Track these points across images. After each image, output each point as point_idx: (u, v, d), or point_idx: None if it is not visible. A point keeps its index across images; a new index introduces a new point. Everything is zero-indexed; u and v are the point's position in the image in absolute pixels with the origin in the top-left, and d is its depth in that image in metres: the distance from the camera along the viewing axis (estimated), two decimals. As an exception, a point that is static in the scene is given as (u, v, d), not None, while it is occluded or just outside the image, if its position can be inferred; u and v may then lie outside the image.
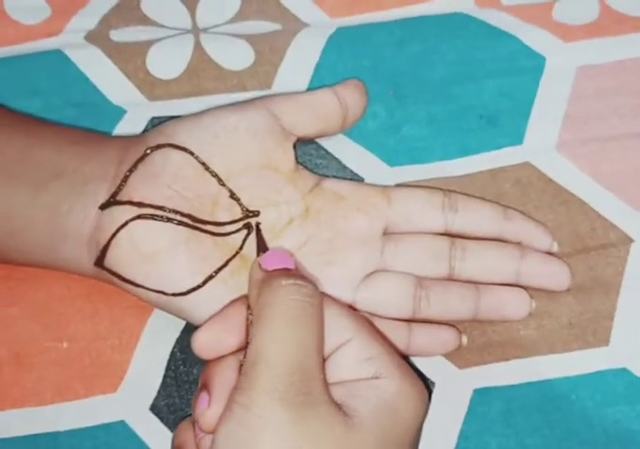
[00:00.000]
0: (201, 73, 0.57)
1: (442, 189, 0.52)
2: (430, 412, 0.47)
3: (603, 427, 0.47)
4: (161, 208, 0.46)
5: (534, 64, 0.58)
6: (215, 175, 0.48)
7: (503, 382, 0.49)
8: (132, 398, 0.48)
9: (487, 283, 0.49)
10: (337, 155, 0.55)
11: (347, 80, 0.52)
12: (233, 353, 0.43)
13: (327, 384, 0.40)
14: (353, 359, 0.42)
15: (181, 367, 0.49)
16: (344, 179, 0.53)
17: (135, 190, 0.47)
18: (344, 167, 0.54)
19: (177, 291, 0.46)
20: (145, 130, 0.54)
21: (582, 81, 0.57)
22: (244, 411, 0.38)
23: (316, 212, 0.49)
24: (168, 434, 0.47)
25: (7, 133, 0.49)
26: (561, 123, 0.56)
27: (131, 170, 0.47)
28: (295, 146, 0.50)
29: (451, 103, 0.56)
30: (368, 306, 0.48)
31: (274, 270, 0.43)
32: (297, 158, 0.50)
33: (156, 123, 0.54)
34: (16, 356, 0.48)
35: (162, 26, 0.59)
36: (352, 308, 0.48)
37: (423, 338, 0.48)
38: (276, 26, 0.60)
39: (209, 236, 0.47)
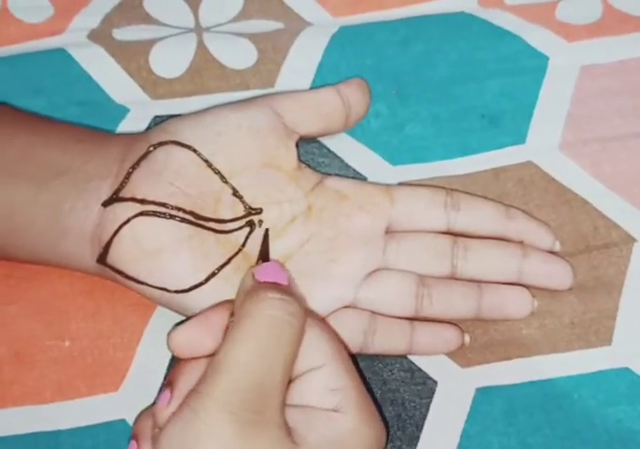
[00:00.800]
0: (204, 72, 0.57)
1: (444, 188, 0.51)
2: (433, 410, 0.48)
3: (605, 427, 0.47)
4: (163, 205, 0.46)
5: (537, 63, 0.58)
6: (218, 172, 0.48)
7: (506, 381, 0.48)
8: (133, 396, 0.48)
9: (490, 282, 0.49)
10: (339, 154, 0.55)
11: (350, 79, 0.52)
12: (208, 356, 0.42)
13: (283, 407, 0.40)
14: (319, 386, 0.42)
15: (183, 365, 0.49)
16: (347, 177, 0.53)
17: (137, 187, 0.47)
18: (347, 166, 0.54)
19: (179, 288, 0.46)
20: (148, 129, 0.54)
21: (585, 81, 0.57)
22: (192, 414, 0.39)
23: (319, 211, 0.49)
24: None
25: (10, 131, 0.49)
26: (564, 122, 0.56)
27: (134, 167, 0.47)
28: (297, 144, 0.50)
29: (454, 102, 0.56)
30: (370, 304, 0.48)
31: (266, 282, 0.43)
32: (299, 156, 0.50)
33: (159, 121, 0.54)
34: (16, 355, 0.48)
35: (165, 25, 0.59)
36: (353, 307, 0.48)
37: (425, 336, 0.48)
38: (279, 25, 0.60)
39: (211, 233, 0.47)
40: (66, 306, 0.50)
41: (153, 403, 0.43)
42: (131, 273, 0.46)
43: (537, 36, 0.59)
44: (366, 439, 0.41)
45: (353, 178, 0.53)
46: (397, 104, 0.56)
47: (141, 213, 0.46)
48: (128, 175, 0.47)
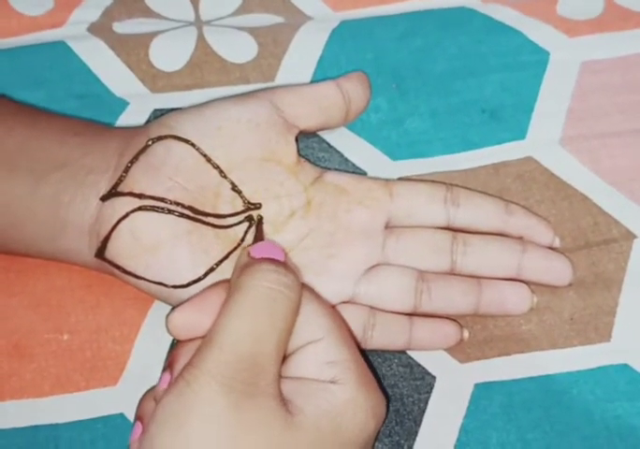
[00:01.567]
0: (204, 65, 0.57)
1: (444, 183, 0.51)
2: (431, 406, 0.47)
3: (605, 423, 0.47)
4: (162, 199, 0.46)
5: (538, 58, 0.58)
6: (217, 167, 0.48)
7: (505, 376, 0.48)
8: (132, 390, 0.48)
9: (489, 278, 0.49)
10: (339, 148, 0.54)
11: (350, 73, 0.52)
12: None
13: (278, 378, 0.40)
14: (316, 359, 0.42)
15: (182, 359, 0.49)
16: (347, 172, 0.53)
17: (136, 181, 0.46)
18: (347, 161, 0.54)
19: (178, 283, 0.46)
20: (147, 122, 0.54)
21: (586, 77, 0.57)
22: (185, 385, 0.39)
23: (318, 205, 0.49)
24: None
25: (9, 123, 0.49)
26: (564, 118, 0.56)
27: (132, 161, 0.47)
28: (297, 139, 0.50)
29: (454, 97, 0.56)
30: (369, 299, 0.48)
31: (261, 259, 0.43)
32: (299, 151, 0.50)
33: (158, 115, 0.54)
34: (15, 348, 0.48)
35: (165, 18, 0.59)
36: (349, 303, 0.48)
37: (424, 332, 0.48)
38: (279, 19, 0.60)
39: (210, 228, 0.47)
40: (65, 299, 0.49)
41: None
42: (129, 268, 0.46)
43: (538, 32, 0.59)
44: (363, 409, 0.41)
45: (352, 172, 0.53)
46: (397, 98, 0.56)
47: (140, 208, 0.46)
48: (127, 169, 0.47)
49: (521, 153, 0.55)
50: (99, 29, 0.58)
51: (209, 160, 0.47)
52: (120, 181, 0.46)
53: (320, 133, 0.54)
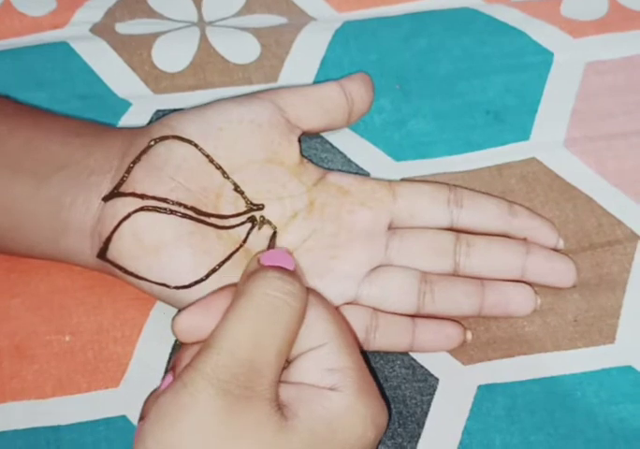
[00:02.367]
0: (207, 66, 0.57)
1: (447, 184, 0.51)
2: (435, 407, 0.47)
3: (609, 426, 0.47)
4: (164, 200, 0.46)
5: (542, 59, 0.58)
6: (219, 167, 0.48)
7: (508, 378, 0.48)
8: (134, 392, 0.47)
9: (493, 279, 0.49)
10: (342, 149, 0.54)
11: (354, 74, 0.52)
12: None
13: (275, 384, 0.40)
14: (318, 366, 0.42)
15: (184, 361, 0.49)
16: (350, 173, 0.53)
17: (138, 182, 0.46)
18: (350, 162, 0.54)
19: (180, 284, 0.46)
20: (150, 123, 0.54)
21: (590, 78, 0.57)
22: (181, 386, 0.39)
23: (321, 206, 0.49)
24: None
25: (11, 124, 0.49)
26: (569, 119, 0.56)
27: (135, 162, 0.47)
28: (300, 139, 0.50)
29: (457, 98, 0.56)
30: (372, 301, 0.48)
31: (269, 266, 0.43)
32: (301, 152, 0.50)
33: (161, 115, 0.54)
34: (17, 349, 0.48)
35: (168, 19, 0.59)
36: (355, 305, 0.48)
37: (427, 333, 0.48)
38: (282, 20, 0.60)
39: (212, 229, 0.47)
40: (67, 300, 0.49)
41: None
42: (131, 268, 0.46)
43: (542, 32, 0.59)
44: (362, 418, 0.41)
45: (355, 173, 0.53)
46: (400, 99, 0.56)
47: (142, 208, 0.46)
48: (129, 170, 0.47)
49: (525, 154, 0.54)
50: (102, 30, 0.58)
51: (211, 160, 0.47)
52: (122, 181, 0.46)
53: (323, 134, 0.54)
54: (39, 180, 0.47)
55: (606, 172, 0.54)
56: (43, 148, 0.48)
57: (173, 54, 0.57)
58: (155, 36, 0.58)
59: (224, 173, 0.48)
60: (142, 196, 0.46)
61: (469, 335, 0.49)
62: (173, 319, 0.43)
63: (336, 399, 0.41)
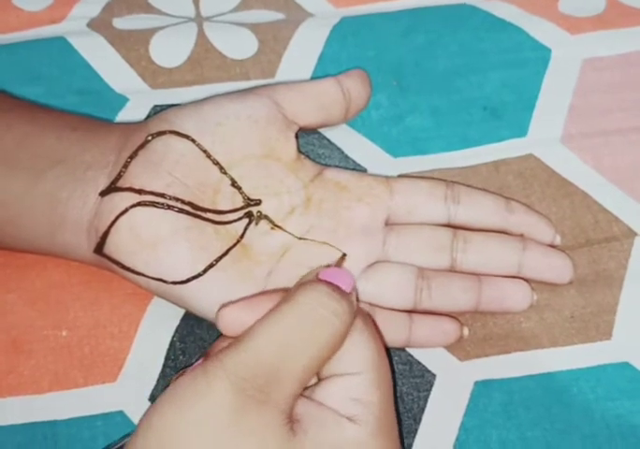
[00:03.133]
0: (204, 62, 0.57)
1: (444, 180, 0.51)
2: (431, 403, 0.47)
3: (605, 422, 0.47)
4: (162, 195, 0.46)
5: (539, 56, 0.58)
6: (217, 163, 0.48)
7: (505, 374, 0.48)
8: (131, 387, 0.48)
9: (489, 275, 0.49)
10: (339, 145, 0.54)
11: (351, 70, 0.52)
12: None
13: (295, 397, 0.40)
14: (345, 393, 0.41)
15: (181, 357, 0.49)
16: (347, 169, 0.53)
17: (135, 177, 0.46)
18: (347, 158, 0.54)
19: (177, 279, 0.46)
20: (147, 118, 0.54)
21: (587, 74, 0.57)
22: (201, 373, 0.39)
23: (318, 202, 0.49)
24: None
25: (8, 119, 0.49)
26: (566, 115, 0.56)
27: (132, 157, 0.47)
28: (297, 135, 0.50)
29: (455, 94, 0.56)
30: (369, 297, 0.48)
31: (323, 280, 0.42)
32: (299, 147, 0.50)
33: (158, 111, 0.54)
34: (13, 344, 0.48)
35: (165, 14, 0.59)
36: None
37: (424, 329, 0.48)
38: (280, 15, 0.60)
39: (209, 224, 0.47)
40: (64, 295, 0.49)
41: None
42: (128, 264, 0.46)
43: (539, 29, 0.59)
44: None
45: (353, 169, 0.53)
46: (398, 95, 0.56)
47: (139, 203, 0.46)
48: (126, 165, 0.47)
49: (522, 151, 0.54)
50: (99, 25, 0.58)
51: (209, 156, 0.47)
52: (119, 176, 0.46)
53: (320, 130, 0.54)
54: (36, 174, 0.47)
55: (603, 169, 0.54)
56: (39, 143, 0.48)
57: (170, 50, 0.57)
58: (153, 31, 0.58)
59: (221, 168, 0.48)
60: (140, 191, 0.46)
61: (465, 331, 0.49)
62: (218, 311, 0.42)
63: (351, 431, 0.40)
